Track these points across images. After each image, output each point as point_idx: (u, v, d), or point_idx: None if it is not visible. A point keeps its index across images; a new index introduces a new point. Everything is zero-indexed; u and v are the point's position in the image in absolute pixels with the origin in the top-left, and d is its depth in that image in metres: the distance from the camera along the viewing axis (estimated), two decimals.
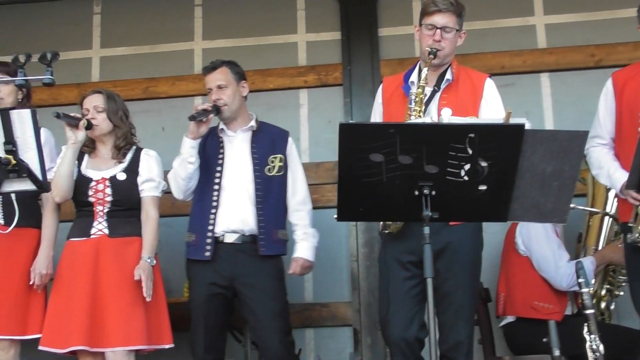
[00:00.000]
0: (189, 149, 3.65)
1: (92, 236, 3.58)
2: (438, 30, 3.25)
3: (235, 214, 3.66)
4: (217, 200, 3.69)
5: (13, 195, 3.44)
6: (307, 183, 3.88)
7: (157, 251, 3.67)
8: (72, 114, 3.58)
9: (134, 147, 3.77)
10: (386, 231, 3.31)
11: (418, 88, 3.23)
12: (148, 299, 3.47)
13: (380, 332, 3.68)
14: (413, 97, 3.23)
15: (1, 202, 3.56)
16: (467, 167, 2.57)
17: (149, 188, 3.68)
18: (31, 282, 3.56)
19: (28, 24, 5.43)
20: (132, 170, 3.69)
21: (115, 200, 3.61)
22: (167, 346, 3.63)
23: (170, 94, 5.18)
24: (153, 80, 5.22)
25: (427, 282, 2.63)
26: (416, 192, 2.60)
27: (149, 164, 3.72)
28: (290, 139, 3.87)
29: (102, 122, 3.67)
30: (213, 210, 3.68)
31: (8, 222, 3.48)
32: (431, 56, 3.20)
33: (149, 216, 3.65)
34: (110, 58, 5.34)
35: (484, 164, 2.57)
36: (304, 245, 3.75)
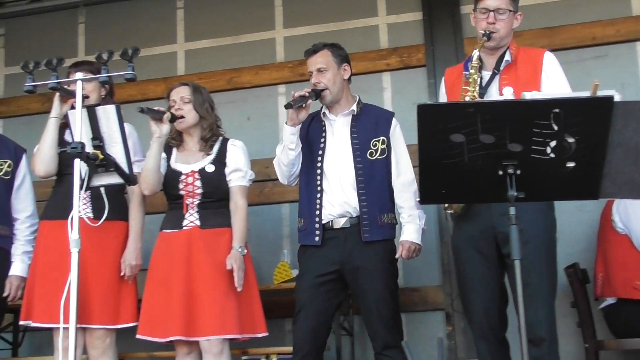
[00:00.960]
0: (289, 135, 3.61)
1: (184, 228, 3.63)
2: (491, 13, 3.29)
3: (338, 198, 3.60)
4: (320, 185, 3.64)
5: (102, 189, 3.52)
6: (411, 164, 3.77)
7: (246, 240, 3.70)
8: (155, 108, 3.63)
9: (220, 138, 3.80)
10: (449, 211, 3.27)
11: (470, 69, 3.23)
12: (239, 289, 3.50)
13: None
14: (465, 78, 3.24)
15: (90, 196, 3.64)
16: (553, 144, 2.48)
17: (236, 178, 3.71)
18: (122, 274, 3.65)
19: (115, 23, 5.59)
20: (220, 161, 3.72)
21: (205, 192, 3.65)
22: (260, 335, 3.65)
23: (254, 83, 5.23)
24: (236, 70, 5.28)
25: (515, 264, 2.55)
26: (500, 172, 2.53)
27: (235, 154, 3.74)
28: (394, 120, 3.75)
29: (188, 113, 3.72)
30: (318, 196, 3.63)
31: (98, 216, 3.55)
32: (484, 38, 3.25)
33: (238, 206, 3.67)
34: (194, 51, 5.44)
35: (571, 140, 2.47)
36: (410, 228, 3.63)
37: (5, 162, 3.97)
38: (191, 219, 3.64)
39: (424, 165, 2.58)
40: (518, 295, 2.54)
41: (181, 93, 3.75)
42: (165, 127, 3.61)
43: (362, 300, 3.58)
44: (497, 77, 3.33)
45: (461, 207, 3.24)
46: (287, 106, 3.55)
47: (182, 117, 3.69)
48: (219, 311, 3.48)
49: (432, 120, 2.50)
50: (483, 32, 3.26)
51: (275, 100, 5.17)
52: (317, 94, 3.64)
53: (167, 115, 3.61)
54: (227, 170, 3.71)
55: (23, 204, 4.02)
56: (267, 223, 4.97)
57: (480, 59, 3.31)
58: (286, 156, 3.64)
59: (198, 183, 3.66)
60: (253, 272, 3.71)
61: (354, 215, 3.59)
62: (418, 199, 3.43)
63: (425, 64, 4.93)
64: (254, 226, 4.47)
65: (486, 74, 3.34)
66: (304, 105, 3.57)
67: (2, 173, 3.95)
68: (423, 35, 4.98)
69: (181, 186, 3.66)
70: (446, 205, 3.31)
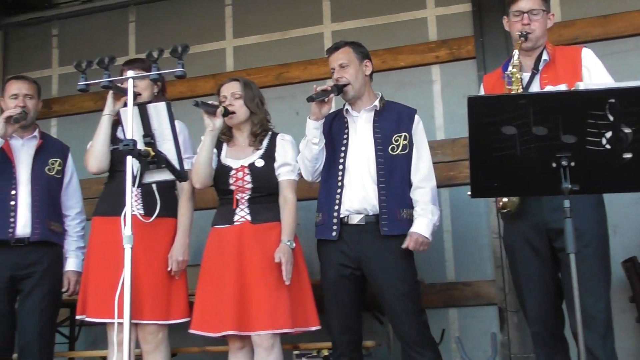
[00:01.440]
0: (312, 130, 3.63)
1: (235, 223, 3.65)
2: (525, 15, 3.34)
3: (357, 194, 3.61)
4: (341, 181, 3.66)
5: (154, 186, 3.56)
6: (431, 161, 3.74)
7: (296, 234, 3.70)
8: (209, 102, 3.66)
9: (270, 133, 3.81)
10: (504, 210, 3.24)
11: (512, 68, 3.24)
12: (287, 282, 3.50)
13: None
14: (508, 77, 3.26)
15: (142, 192, 3.69)
16: (609, 134, 2.42)
17: (285, 172, 3.72)
18: (169, 269, 3.69)
19: (165, 21, 5.65)
20: (269, 156, 3.73)
21: (255, 187, 3.67)
22: (313, 328, 3.66)
23: (303, 78, 5.22)
24: (285, 66, 5.29)
25: (570, 258, 2.51)
26: (553, 164, 2.50)
27: (284, 149, 3.75)
28: (417, 117, 3.76)
29: (239, 109, 3.74)
30: (338, 191, 3.65)
31: (149, 212, 3.57)
32: (522, 38, 3.29)
33: (287, 200, 3.68)
34: (243, 47, 5.46)
35: (627, 130, 2.42)
36: (421, 221, 3.61)
37: (56, 161, 4.07)
38: (242, 214, 3.66)
39: (475, 158, 2.55)
40: (574, 290, 2.50)
41: (232, 89, 3.77)
42: (218, 121, 3.63)
43: (382, 298, 3.60)
44: (537, 77, 3.35)
45: (516, 205, 3.20)
46: (309, 99, 3.58)
47: (233, 112, 3.71)
48: (270, 306, 3.49)
49: (483, 113, 2.48)
50: (520, 33, 3.30)
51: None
52: (339, 89, 3.67)
53: (220, 109, 3.63)
54: (276, 164, 3.72)
55: (72, 201, 4.14)
56: None
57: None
58: (310, 151, 3.65)
59: (248, 178, 3.67)
60: (305, 266, 3.72)
61: (371, 213, 3.60)
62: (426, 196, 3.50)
63: (475, 56, 4.87)
64: (304, 221, 4.45)
65: (525, 75, 3.34)
66: (325, 99, 3.59)
67: (54, 172, 4.04)
68: (472, 26, 4.91)
69: (231, 181, 3.68)
70: (500, 204, 3.28)
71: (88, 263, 3.77)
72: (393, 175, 3.63)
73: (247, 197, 3.67)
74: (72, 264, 4.06)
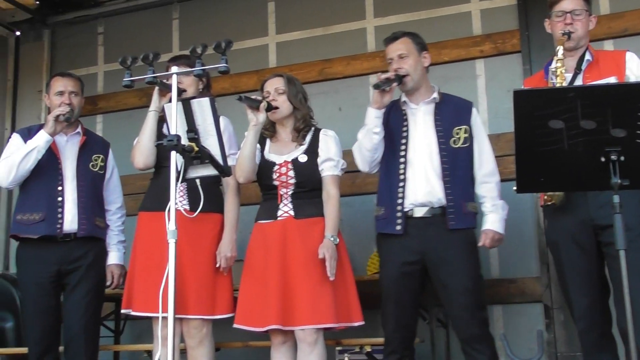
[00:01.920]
0: (374, 119, 3.60)
1: (278, 218, 3.66)
2: (568, 14, 3.38)
3: (422, 187, 3.57)
4: (403, 174, 3.62)
5: (198, 181, 3.57)
6: (494, 154, 3.73)
7: (340, 230, 3.69)
8: (253, 97, 3.67)
9: (313, 129, 3.81)
10: (549, 203, 3.20)
11: (557, 62, 3.23)
12: (331, 278, 3.50)
13: None
14: (552, 72, 3.25)
15: (187, 188, 3.72)
16: None
17: (328, 167, 3.71)
18: (217, 265, 3.71)
19: (208, 18, 5.68)
20: (313, 151, 3.73)
21: (299, 182, 3.67)
22: (356, 324, 3.64)
23: (346, 73, 5.22)
24: (328, 61, 5.28)
25: (619, 254, 2.46)
26: (602, 159, 2.45)
27: (327, 144, 3.74)
28: (474, 110, 3.73)
29: (282, 104, 3.74)
30: (401, 184, 3.61)
31: (194, 208, 3.57)
32: (565, 36, 3.31)
33: (330, 195, 3.67)
34: (285, 43, 5.47)
35: None
36: (493, 218, 3.60)
37: (99, 157, 4.14)
38: (285, 209, 3.67)
39: (521, 153, 2.52)
40: (624, 287, 2.45)
41: (275, 84, 3.78)
42: (262, 116, 3.64)
43: (444, 291, 3.55)
44: (579, 77, 3.34)
45: (561, 198, 3.15)
46: (375, 86, 3.54)
47: (276, 107, 3.71)
48: (313, 301, 3.49)
49: (530, 107, 2.44)
50: (563, 32, 3.31)
51: (366, 91, 5.14)
52: (400, 78, 3.62)
53: (263, 104, 3.64)
54: (319, 159, 3.71)
55: (113, 196, 4.21)
56: (360, 214, 4.95)
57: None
58: (370, 140, 3.62)
59: (291, 173, 3.68)
60: (348, 261, 3.71)
61: (436, 205, 3.56)
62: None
63: (520, 49, 4.81)
64: (347, 217, 4.45)
65: (567, 76, 3.31)
66: (387, 89, 3.55)
67: (97, 168, 4.11)
68: (518, 20, 4.85)
69: (275, 176, 3.69)
70: (545, 197, 3.23)
71: (134, 257, 3.81)
72: (456, 168, 3.59)
73: (290, 193, 3.68)
74: (114, 257, 4.13)
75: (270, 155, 3.76)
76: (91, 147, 4.13)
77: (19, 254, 4.04)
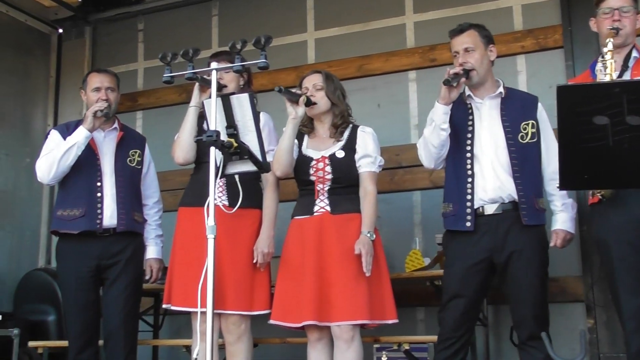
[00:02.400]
0: (442, 115, 3.53)
1: (315, 214, 3.65)
2: (616, 11, 3.36)
3: (491, 182, 3.52)
4: (471, 169, 3.57)
5: (236, 177, 3.58)
6: None
7: (376, 227, 3.67)
8: (292, 90, 3.68)
9: (351, 125, 3.80)
10: (598, 193, 3.15)
11: (606, 54, 3.13)
12: (367, 274, 3.48)
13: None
14: (601, 65, 3.14)
15: (226, 183, 3.73)
16: None
17: (366, 164, 3.69)
18: (254, 261, 3.71)
19: (247, 14, 5.71)
20: (350, 147, 3.71)
21: (335, 178, 3.66)
22: (390, 321, 3.62)
23: (384, 70, 5.20)
24: (366, 57, 5.26)
25: None
26: None
27: (365, 141, 3.73)
28: (540, 105, 3.66)
29: (320, 100, 3.73)
30: (469, 180, 3.56)
31: (233, 203, 3.57)
32: (613, 31, 3.27)
33: (367, 191, 3.65)
34: (324, 39, 5.47)
35: None
36: (564, 217, 3.57)
37: (136, 152, 4.16)
38: (322, 204, 3.66)
39: (564, 150, 2.47)
40: None
41: (313, 80, 3.77)
42: (301, 110, 3.64)
43: (512, 286, 3.49)
44: (627, 73, 3.30)
45: (610, 191, 3.09)
46: (446, 82, 3.47)
47: (315, 103, 3.71)
48: (350, 297, 3.48)
49: (573, 102, 2.39)
50: (611, 27, 3.28)
51: (405, 87, 5.12)
52: (467, 73, 3.57)
53: (303, 98, 3.64)
54: (357, 156, 3.70)
55: (150, 190, 4.22)
56: (398, 211, 4.93)
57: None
58: (437, 137, 3.56)
59: (328, 169, 3.67)
60: (384, 258, 3.69)
61: (507, 200, 3.51)
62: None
63: (563, 45, 4.75)
64: (385, 214, 4.43)
65: (614, 74, 3.22)
66: (454, 84, 3.49)
67: (135, 163, 4.13)
68: (560, 15, 4.78)
69: (312, 172, 3.68)
70: (595, 193, 3.18)
71: (174, 253, 3.83)
72: (525, 164, 3.54)
73: (327, 188, 3.67)
74: (152, 251, 4.16)
75: (307, 151, 3.76)
76: (128, 142, 4.15)
77: (59, 249, 4.08)
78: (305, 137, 3.81)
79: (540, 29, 4.85)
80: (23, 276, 5.48)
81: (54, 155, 3.92)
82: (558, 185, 2.59)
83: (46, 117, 6.21)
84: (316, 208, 3.66)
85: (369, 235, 3.54)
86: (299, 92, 3.69)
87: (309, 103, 3.68)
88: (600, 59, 3.17)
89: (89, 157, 3.99)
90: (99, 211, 3.95)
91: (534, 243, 3.48)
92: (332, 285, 3.51)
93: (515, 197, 3.49)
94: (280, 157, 3.65)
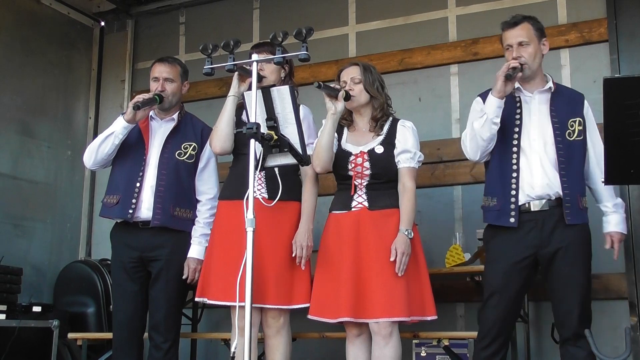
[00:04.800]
0: (496, 108, 3.47)
1: (352, 209, 3.63)
2: None
3: (539, 179, 3.48)
4: (517, 164, 3.53)
5: (276, 170, 3.56)
6: None
7: (416, 222, 3.64)
8: (331, 85, 3.65)
9: (391, 119, 3.76)
10: None
11: None
12: (400, 274, 3.45)
13: None
14: None
15: (265, 176, 3.70)
16: None
17: (405, 159, 3.65)
18: (293, 255, 3.67)
19: (288, 7, 5.72)
20: (389, 142, 3.68)
21: (374, 174, 3.63)
22: (429, 318, 3.59)
23: (426, 63, 5.16)
24: (408, 51, 5.23)
25: None
26: None
27: (404, 135, 3.69)
28: (586, 102, 3.62)
29: (359, 93, 3.71)
30: (514, 175, 3.52)
31: (272, 196, 3.58)
32: None
33: (406, 187, 3.61)
34: (365, 33, 5.45)
35: None
36: (617, 219, 3.54)
37: (190, 145, 4.05)
38: (360, 200, 3.64)
39: (610, 144, 2.44)
40: None
41: (351, 73, 3.74)
42: (340, 105, 3.62)
43: (556, 283, 3.45)
44: None
45: None
46: (508, 77, 3.42)
47: (353, 96, 3.69)
48: (387, 294, 3.45)
49: (620, 96, 2.35)
50: None
51: (447, 81, 5.07)
52: (519, 68, 3.51)
53: (341, 93, 3.62)
54: (396, 151, 3.66)
55: (206, 186, 4.07)
56: (439, 205, 4.89)
57: None
58: (488, 130, 3.50)
59: (367, 164, 3.64)
60: (422, 254, 3.65)
61: (553, 197, 3.46)
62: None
63: (608, 39, 4.66)
64: (425, 209, 4.41)
65: None
66: (511, 78, 3.44)
67: (186, 157, 4.02)
68: (606, 8, 4.70)
69: (350, 167, 3.66)
70: None
71: (212, 246, 3.80)
72: (572, 161, 3.50)
73: (365, 183, 3.64)
74: (194, 251, 3.98)
75: (346, 145, 3.73)
76: (183, 134, 4.06)
77: (111, 236, 4.11)
78: (345, 131, 3.79)
79: (584, 22, 4.77)
80: (63, 268, 5.54)
81: (95, 142, 3.95)
82: (603, 180, 2.53)
83: (87, 110, 6.28)
84: (354, 203, 3.64)
85: (406, 233, 3.51)
86: (337, 87, 3.67)
87: (348, 98, 3.66)
88: None
89: (138, 146, 3.99)
90: (133, 201, 3.92)
91: (579, 240, 3.44)
92: (370, 281, 3.48)
93: (561, 194, 3.44)
94: (320, 153, 3.63)
